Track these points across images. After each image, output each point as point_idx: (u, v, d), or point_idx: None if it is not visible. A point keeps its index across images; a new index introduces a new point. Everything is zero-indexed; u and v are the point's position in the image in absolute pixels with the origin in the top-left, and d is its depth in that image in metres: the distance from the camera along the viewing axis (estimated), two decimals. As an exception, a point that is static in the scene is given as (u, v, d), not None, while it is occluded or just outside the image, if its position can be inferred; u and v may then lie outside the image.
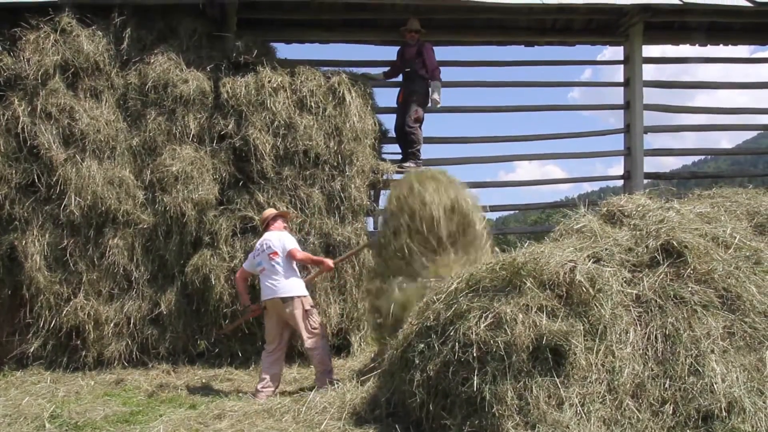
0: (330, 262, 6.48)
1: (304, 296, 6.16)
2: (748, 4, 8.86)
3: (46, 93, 7.13)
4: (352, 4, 8.59)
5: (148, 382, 6.52)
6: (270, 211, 6.60)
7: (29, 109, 7.11)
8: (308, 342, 6.06)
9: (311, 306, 6.20)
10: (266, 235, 6.32)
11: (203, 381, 6.63)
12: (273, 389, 5.98)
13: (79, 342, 6.99)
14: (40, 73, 7.11)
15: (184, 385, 6.45)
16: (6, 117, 7.07)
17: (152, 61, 7.51)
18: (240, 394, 6.00)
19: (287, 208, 7.28)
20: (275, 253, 6.12)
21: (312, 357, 6.17)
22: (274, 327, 6.18)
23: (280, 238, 6.23)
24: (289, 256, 6.15)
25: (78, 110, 7.17)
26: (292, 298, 6.04)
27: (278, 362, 6.18)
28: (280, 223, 6.47)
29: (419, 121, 8.43)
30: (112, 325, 7.04)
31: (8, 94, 7.18)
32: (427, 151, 8.62)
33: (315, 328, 6.10)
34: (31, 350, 6.96)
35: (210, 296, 7.14)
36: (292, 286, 6.09)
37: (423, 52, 8.42)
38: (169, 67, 7.49)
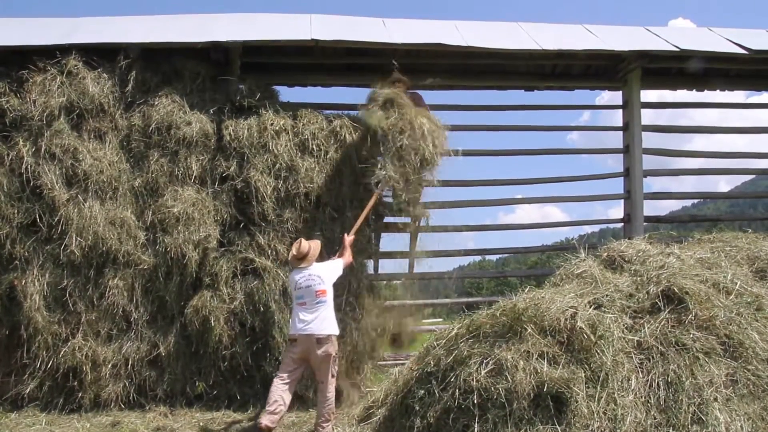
0: (347, 240, 6.60)
1: (337, 336, 6.03)
2: (743, 51, 9.01)
3: (50, 134, 7.21)
4: (354, 49, 8.72)
5: (144, 424, 6.44)
6: (305, 246, 6.22)
7: (33, 149, 7.18)
8: (327, 390, 5.88)
9: (336, 353, 6.01)
10: (309, 270, 6.09)
11: (201, 424, 6.54)
12: (281, 415, 5.79)
13: (75, 383, 6.92)
14: (45, 114, 7.20)
15: (181, 428, 6.36)
16: (10, 157, 7.14)
17: (156, 103, 7.60)
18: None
19: (288, 250, 7.28)
20: (323, 291, 5.98)
21: (323, 406, 5.93)
22: (296, 359, 5.93)
23: (325, 271, 6.13)
24: (347, 267, 6.44)
25: (81, 151, 7.24)
26: (329, 337, 5.88)
27: (290, 391, 5.90)
28: (316, 257, 6.26)
29: None
30: (109, 366, 6.98)
31: (13, 135, 7.25)
32: (427, 194, 8.64)
33: (334, 377, 5.96)
34: (27, 391, 6.89)
35: (209, 338, 7.09)
36: (330, 323, 5.94)
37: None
38: (173, 109, 7.58)
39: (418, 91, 8.57)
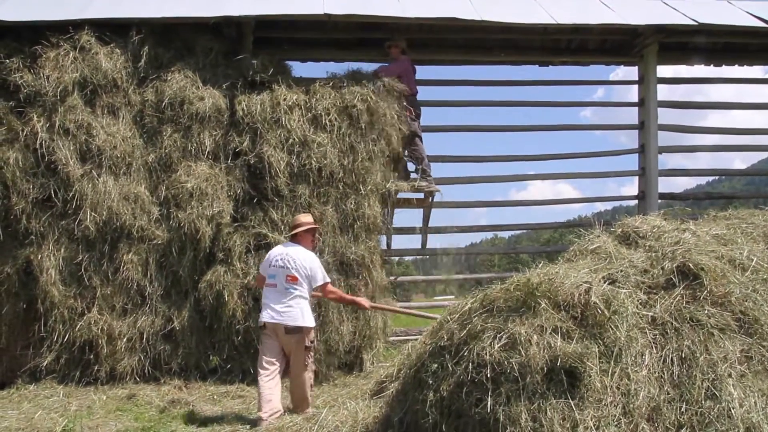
0: (367, 303, 6.10)
1: (312, 328, 5.59)
2: (764, 24, 8.85)
3: (64, 109, 7.23)
4: (366, 24, 8.67)
5: (159, 397, 6.51)
6: (305, 219, 5.98)
7: (48, 125, 7.20)
8: (303, 385, 5.53)
9: (312, 341, 5.62)
10: (290, 251, 5.67)
11: (215, 397, 6.61)
12: (279, 413, 5.36)
13: (92, 356, 7.02)
14: (59, 89, 7.21)
15: (196, 400, 6.43)
16: (25, 133, 7.16)
17: (169, 78, 7.60)
18: (253, 413, 5.96)
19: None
20: (294, 278, 5.52)
21: (296, 392, 5.59)
22: (274, 347, 5.57)
23: (306, 263, 5.61)
24: (320, 289, 5.69)
25: (95, 126, 7.26)
26: (300, 329, 5.46)
27: (279, 384, 5.55)
28: (310, 238, 5.88)
29: (417, 136, 8.43)
30: (125, 340, 7.06)
31: (27, 110, 7.27)
32: (440, 170, 8.68)
33: (307, 365, 5.56)
34: (45, 364, 6.98)
35: (223, 312, 7.15)
36: (302, 315, 5.49)
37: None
38: (186, 84, 7.58)
39: (404, 59, 8.48)
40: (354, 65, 8.48)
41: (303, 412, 5.43)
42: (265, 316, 5.51)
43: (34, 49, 7.38)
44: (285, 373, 5.63)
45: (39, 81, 7.24)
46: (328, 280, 5.78)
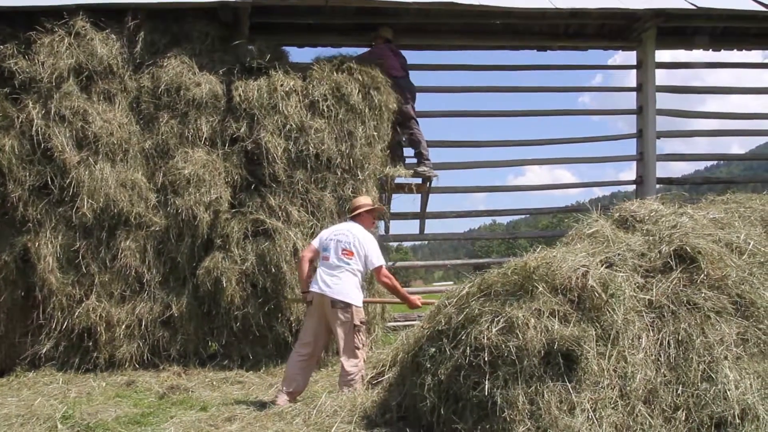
0: (418, 301, 5.76)
1: (360, 308, 5.45)
2: (763, 8, 8.81)
3: (60, 96, 7.19)
4: (364, 9, 8.62)
5: (159, 383, 6.53)
6: (365, 200, 5.99)
7: (43, 111, 7.16)
8: (348, 363, 5.34)
9: (362, 322, 5.44)
10: (350, 226, 5.66)
11: (214, 383, 6.63)
12: (298, 394, 5.46)
13: (90, 343, 7.03)
14: (54, 76, 7.16)
15: (195, 387, 6.45)
16: (20, 119, 7.12)
17: (165, 64, 7.55)
18: (252, 398, 5.98)
19: (298, 211, 7.30)
20: (350, 253, 5.46)
21: (345, 383, 5.33)
22: (314, 327, 5.51)
23: (365, 241, 5.54)
24: (374, 272, 5.57)
25: (91, 113, 7.22)
26: (347, 305, 5.34)
27: (308, 369, 5.58)
28: (370, 220, 5.89)
29: (411, 118, 8.41)
30: (123, 326, 7.06)
31: (23, 97, 7.23)
32: (437, 155, 8.65)
33: (359, 349, 5.39)
34: (44, 351, 7.00)
35: (221, 299, 7.15)
36: (350, 291, 5.38)
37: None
38: (182, 70, 7.54)
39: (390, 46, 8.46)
40: (351, 51, 8.46)
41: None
42: (313, 287, 5.45)
43: (29, 34, 7.31)
44: (319, 360, 5.66)
45: (34, 67, 7.19)
46: (384, 263, 5.66)
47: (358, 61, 8.07)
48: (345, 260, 5.47)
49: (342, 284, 5.39)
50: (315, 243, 5.74)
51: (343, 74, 7.84)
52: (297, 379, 5.48)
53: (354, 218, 5.85)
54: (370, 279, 6.79)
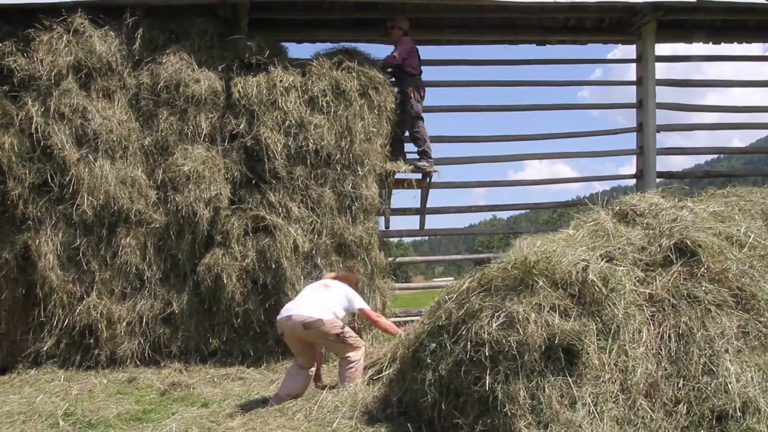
0: (397, 330, 5.73)
1: (332, 320, 5.33)
2: (763, 1, 8.79)
3: (59, 93, 7.18)
4: (363, 3, 8.60)
5: (160, 380, 6.54)
6: (338, 274, 6.24)
7: (43, 109, 7.16)
8: (347, 357, 5.39)
9: (342, 328, 5.37)
10: (328, 280, 5.85)
11: (215, 379, 6.64)
12: (292, 396, 5.32)
13: (92, 340, 7.03)
14: (53, 73, 7.16)
15: (196, 383, 6.45)
16: (20, 117, 7.12)
17: (164, 61, 7.54)
18: (253, 394, 5.99)
19: (298, 207, 7.30)
20: (326, 285, 5.61)
21: (345, 372, 5.38)
22: (299, 348, 5.49)
23: (344, 289, 5.65)
24: (360, 314, 5.72)
25: (91, 110, 7.22)
26: (320, 320, 5.23)
27: (306, 376, 5.53)
28: (343, 282, 5.87)
29: (420, 118, 8.39)
30: (124, 323, 7.07)
31: (22, 95, 7.22)
32: (437, 150, 8.63)
33: (354, 344, 5.40)
34: (45, 349, 7.01)
35: (222, 295, 7.16)
36: (318, 309, 5.29)
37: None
38: (181, 67, 7.53)
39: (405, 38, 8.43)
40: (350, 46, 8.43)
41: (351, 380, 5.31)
42: (280, 316, 5.41)
43: (28, 32, 7.31)
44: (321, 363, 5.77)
45: (33, 65, 7.19)
46: (367, 306, 5.76)
47: (391, 58, 8.11)
48: (323, 290, 5.55)
49: (312, 306, 5.33)
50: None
51: (342, 71, 7.83)
52: (293, 385, 5.41)
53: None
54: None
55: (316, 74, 7.80)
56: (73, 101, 7.20)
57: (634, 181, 10.00)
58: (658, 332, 4.06)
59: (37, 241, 7.02)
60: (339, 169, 7.58)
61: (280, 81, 7.60)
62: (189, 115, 7.46)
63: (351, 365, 5.39)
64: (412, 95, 8.24)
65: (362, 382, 5.36)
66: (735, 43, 10.36)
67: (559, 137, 10.22)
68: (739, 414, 3.66)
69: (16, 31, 7.41)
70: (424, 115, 8.53)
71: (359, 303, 5.69)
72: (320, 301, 5.40)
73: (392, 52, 8.24)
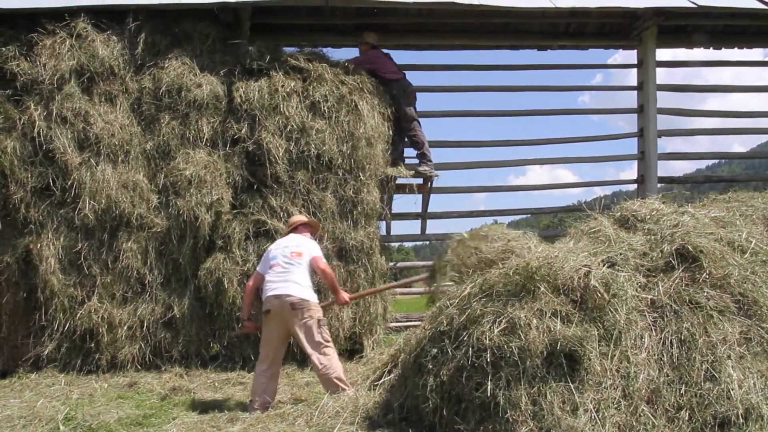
0: (345, 296, 5.92)
1: (317, 304, 5.53)
2: (763, 6, 8.81)
3: (61, 97, 7.20)
4: (365, 9, 8.63)
5: (161, 385, 6.52)
6: (299, 218, 6.23)
7: (45, 113, 7.17)
8: (318, 359, 5.36)
9: (321, 319, 5.51)
10: (291, 236, 5.88)
11: (216, 384, 6.63)
12: (269, 405, 5.37)
13: (92, 345, 7.01)
14: (56, 77, 7.18)
15: (197, 388, 6.44)
16: (22, 121, 7.13)
17: (166, 65, 7.56)
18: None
19: (300, 212, 7.30)
20: (299, 254, 5.61)
21: (325, 376, 5.38)
22: (273, 338, 5.52)
23: (306, 243, 5.79)
24: (313, 262, 5.61)
25: (93, 114, 7.23)
26: (306, 302, 5.40)
27: (274, 379, 5.59)
28: (307, 232, 6.01)
29: (413, 120, 8.40)
30: (125, 328, 7.05)
31: (25, 99, 7.24)
32: (438, 155, 8.64)
33: (325, 345, 5.43)
34: (46, 353, 6.98)
35: (223, 300, 7.15)
36: (305, 290, 5.46)
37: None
38: (183, 71, 7.54)
39: (383, 51, 8.47)
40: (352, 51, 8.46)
41: (342, 390, 5.29)
42: (268, 295, 5.49)
43: (30, 36, 7.34)
44: (278, 373, 5.72)
45: (36, 69, 7.21)
46: (321, 256, 5.84)
47: (351, 63, 8.11)
48: (296, 261, 5.59)
49: (296, 285, 5.47)
50: (259, 269, 5.88)
51: (342, 76, 7.85)
52: (265, 392, 5.42)
53: (292, 232, 6.01)
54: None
55: (317, 80, 7.80)
56: (75, 105, 7.21)
57: (635, 186, 10.00)
58: (660, 338, 4.06)
59: (39, 244, 7.01)
60: (340, 174, 7.58)
61: (282, 86, 7.61)
62: (191, 119, 7.47)
63: (323, 368, 5.37)
64: (401, 99, 8.25)
65: (349, 386, 5.38)
66: (735, 48, 10.38)
67: (560, 142, 10.24)
68: (741, 421, 3.66)
69: (19, 35, 7.43)
70: (423, 119, 8.55)
71: (315, 252, 5.78)
72: (302, 279, 5.53)
73: (356, 58, 8.42)
